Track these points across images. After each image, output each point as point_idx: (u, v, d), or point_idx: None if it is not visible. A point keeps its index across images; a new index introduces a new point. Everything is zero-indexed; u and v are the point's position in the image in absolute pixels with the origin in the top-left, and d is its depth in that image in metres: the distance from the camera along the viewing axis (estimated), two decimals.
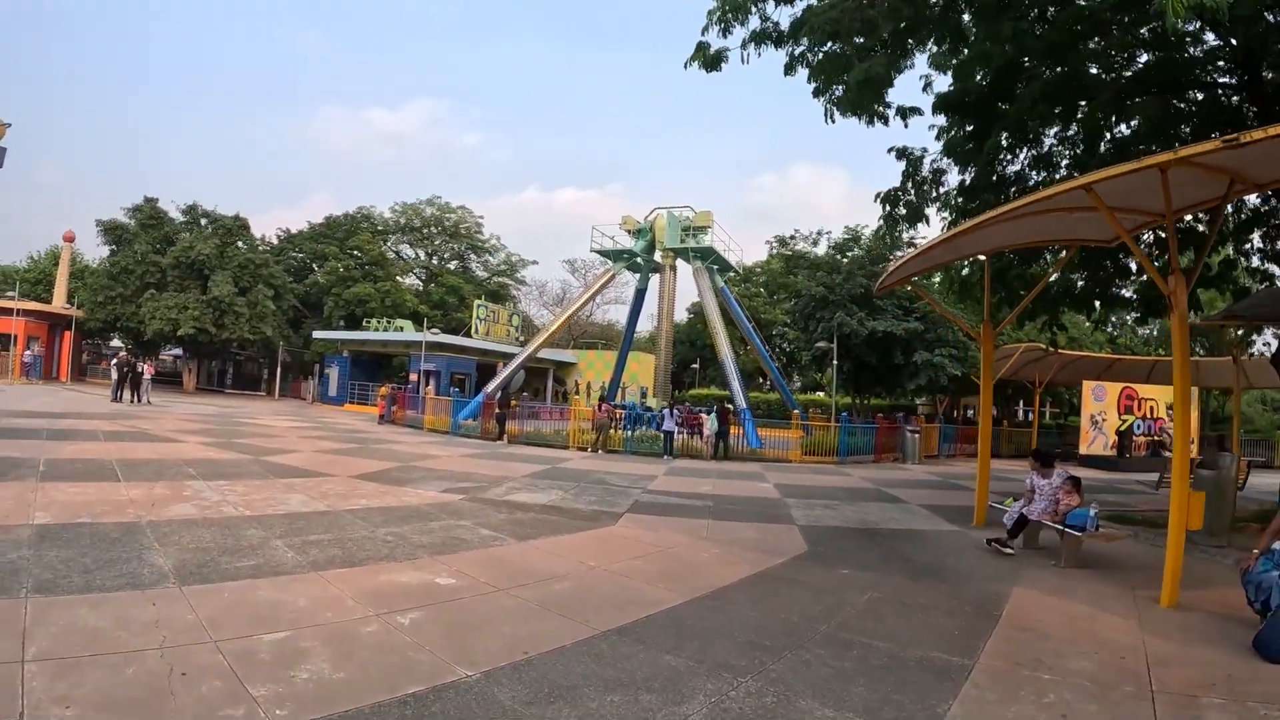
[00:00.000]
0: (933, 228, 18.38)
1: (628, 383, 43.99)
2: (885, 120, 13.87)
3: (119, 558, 6.95)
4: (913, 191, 15.41)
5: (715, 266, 35.33)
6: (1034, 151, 15.15)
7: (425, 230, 64.07)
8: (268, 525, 8.88)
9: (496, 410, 25.40)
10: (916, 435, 27.25)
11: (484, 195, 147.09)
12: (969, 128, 14.63)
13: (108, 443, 15.71)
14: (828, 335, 28.56)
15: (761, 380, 66.28)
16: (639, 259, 36.27)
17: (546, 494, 13.29)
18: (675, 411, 23.94)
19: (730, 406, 24.73)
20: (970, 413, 42.14)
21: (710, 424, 23.38)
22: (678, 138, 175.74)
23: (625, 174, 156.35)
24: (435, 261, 64.97)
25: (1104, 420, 31.16)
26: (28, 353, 40.15)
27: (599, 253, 36.64)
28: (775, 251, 34.87)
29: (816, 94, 13.22)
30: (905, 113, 14.09)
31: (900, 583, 8.21)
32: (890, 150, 15.27)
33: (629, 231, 36.31)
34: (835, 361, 27.91)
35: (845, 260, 31.44)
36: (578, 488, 14.40)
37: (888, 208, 15.17)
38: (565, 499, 12.87)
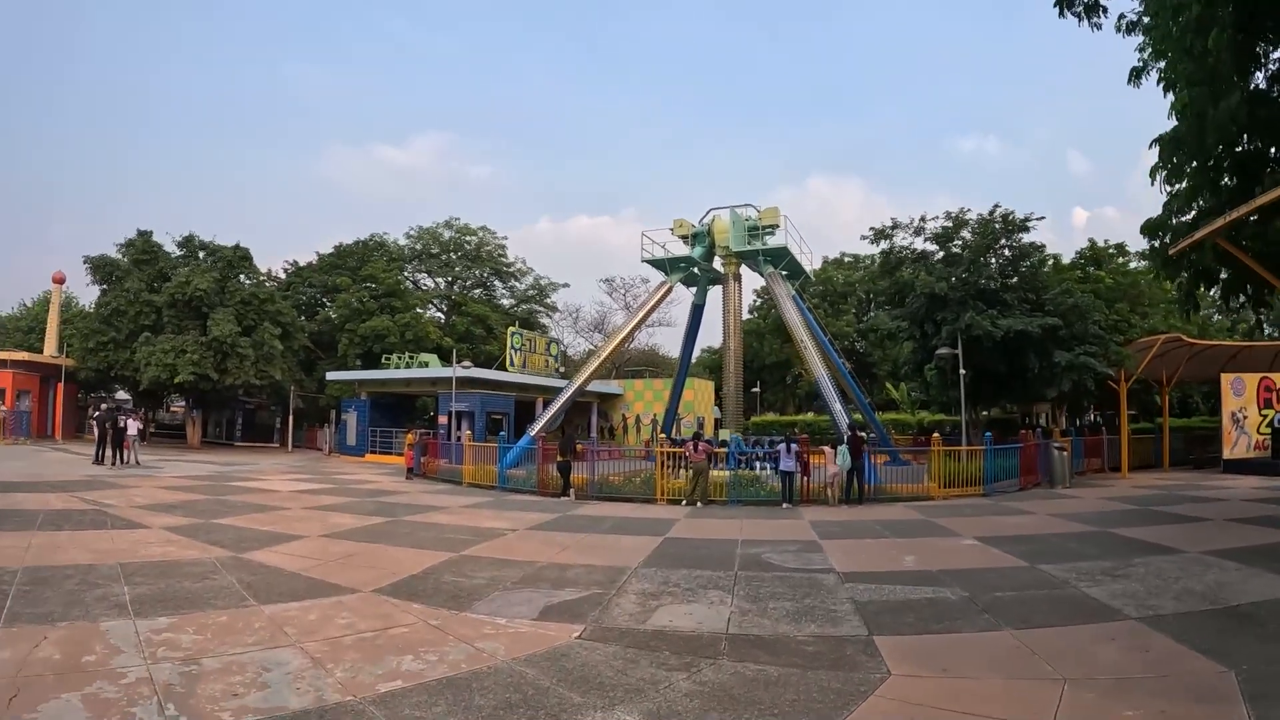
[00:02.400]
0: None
1: (682, 413, 38.89)
2: None
3: None
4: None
5: (785, 273, 30.36)
6: None
7: (444, 256, 59.05)
8: None
9: (559, 458, 20.19)
10: (1064, 454, 22.69)
11: (499, 227, 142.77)
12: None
13: (38, 533, 11.10)
14: (950, 340, 23.33)
15: (819, 400, 60.91)
16: (696, 268, 31.37)
17: (709, 604, 8.09)
18: (793, 445, 18.73)
19: (863, 435, 19.65)
20: (1045, 420, 36.79)
21: (840, 459, 18.27)
22: (689, 160, 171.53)
23: (637, 198, 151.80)
24: (457, 288, 60.05)
25: (1245, 418, 27.14)
26: (2, 408, 35.40)
27: (651, 263, 31.58)
28: (878, 248, 29.55)
29: None
30: None
31: None
32: None
33: (682, 237, 31.26)
34: (962, 370, 22.74)
35: (961, 249, 26.31)
36: (739, 583, 9.18)
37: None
38: (746, 613, 7.71)
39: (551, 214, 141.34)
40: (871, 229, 28.64)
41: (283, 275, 52.74)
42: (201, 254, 41.51)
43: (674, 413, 35.34)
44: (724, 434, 28.82)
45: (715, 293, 32.82)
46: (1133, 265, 36.06)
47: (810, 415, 53.81)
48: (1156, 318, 35.72)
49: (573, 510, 17.12)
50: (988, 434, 21.60)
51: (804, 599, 8.29)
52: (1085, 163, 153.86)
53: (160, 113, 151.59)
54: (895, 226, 27.87)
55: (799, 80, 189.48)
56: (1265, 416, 27.11)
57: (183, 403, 48.45)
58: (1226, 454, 26.50)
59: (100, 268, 39.97)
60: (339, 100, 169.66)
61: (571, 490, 19.66)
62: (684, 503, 18.26)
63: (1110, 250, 32.92)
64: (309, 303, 51.72)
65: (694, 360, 55.14)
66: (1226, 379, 26.99)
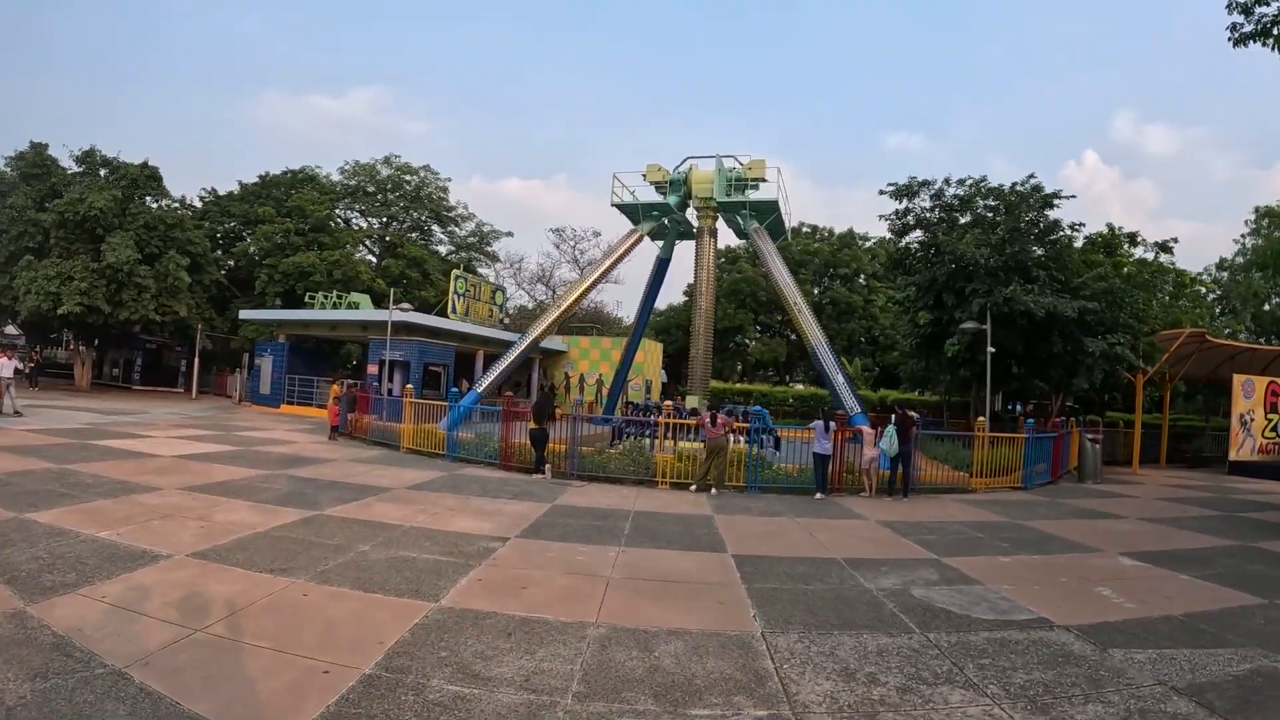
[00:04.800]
0: None
1: (630, 375, 35.59)
2: None
3: None
4: None
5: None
6: None
7: (381, 196, 54.13)
8: None
9: (532, 424, 16.24)
10: (1098, 446, 21.14)
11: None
12: None
13: None
14: (979, 314, 20.42)
15: (772, 371, 58.42)
16: (668, 219, 28.06)
17: None
18: (831, 424, 15.46)
19: (914, 415, 16.65)
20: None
21: (886, 442, 15.36)
22: (622, 133, 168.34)
23: (570, 166, 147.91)
24: (393, 229, 55.20)
25: (1252, 420, 25.75)
26: None
27: (620, 208, 28.04)
28: (896, 208, 26.43)
29: None
30: None
31: None
32: None
33: (655, 184, 27.80)
34: (990, 349, 19.92)
35: (972, 222, 23.79)
36: (954, 660, 5.74)
37: None
38: None
39: (483, 174, 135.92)
40: (891, 184, 25.63)
41: (199, 204, 47.11)
42: (103, 172, 36.36)
43: (625, 374, 32.31)
44: (691, 401, 25.65)
45: (679, 250, 30.64)
46: (1138, 253, 33.99)
47: (764, 385, 51.39)
48: (1175, 311, 34.12)
49: (561, 497, 13.46)
50: (1030, 421, 18.93)
51: (1105, 691, 5.19)
52: (1006, 166, 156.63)
53: (87, 42, 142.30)
54: (923, 183, 24.93)
55: (734, 66, 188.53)
56: (1270, 420, 26.02)
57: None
58: (1233, 455, 25.43)
59: None
60: (275, 49, 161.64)
61: (547, 466, 16.06)
62: (693, 487, 15.13)
63: (1120, 238, 30.54)
64: (227, 235, 46.34)
65: (624, 320, 52.02)
66: (1238, 380, 25.66)
